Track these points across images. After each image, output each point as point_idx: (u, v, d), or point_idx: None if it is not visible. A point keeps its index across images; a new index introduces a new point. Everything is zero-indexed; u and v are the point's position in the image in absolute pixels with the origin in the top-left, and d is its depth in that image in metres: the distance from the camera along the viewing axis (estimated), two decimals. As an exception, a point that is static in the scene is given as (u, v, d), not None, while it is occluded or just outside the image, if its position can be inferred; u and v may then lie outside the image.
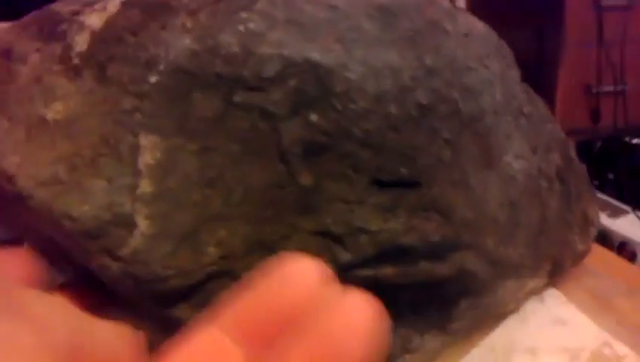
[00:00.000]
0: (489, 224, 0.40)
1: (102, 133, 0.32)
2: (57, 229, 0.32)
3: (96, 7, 0.36)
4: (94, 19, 0.36)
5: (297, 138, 0.34)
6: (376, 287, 0.21)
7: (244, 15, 0.34)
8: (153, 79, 0.34)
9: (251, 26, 0.34)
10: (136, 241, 0.32)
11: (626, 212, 1.11)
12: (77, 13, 0.36)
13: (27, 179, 0.32)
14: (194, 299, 0.34)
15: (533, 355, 0.43)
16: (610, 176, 1.20)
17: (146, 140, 0.33)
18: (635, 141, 1.18)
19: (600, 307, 0.47)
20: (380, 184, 0.35)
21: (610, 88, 1.25)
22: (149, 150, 0.33)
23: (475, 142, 0.39)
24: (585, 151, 1.33)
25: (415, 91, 0.36)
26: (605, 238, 1.08)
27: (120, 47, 0.34)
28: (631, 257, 1.04)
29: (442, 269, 0.38)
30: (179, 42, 0.34)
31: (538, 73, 1.28)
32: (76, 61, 0.34)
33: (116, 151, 0.32)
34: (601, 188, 1.19)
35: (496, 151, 0.40)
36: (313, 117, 0.34)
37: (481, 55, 0.41)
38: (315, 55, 0.34)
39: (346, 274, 0.35)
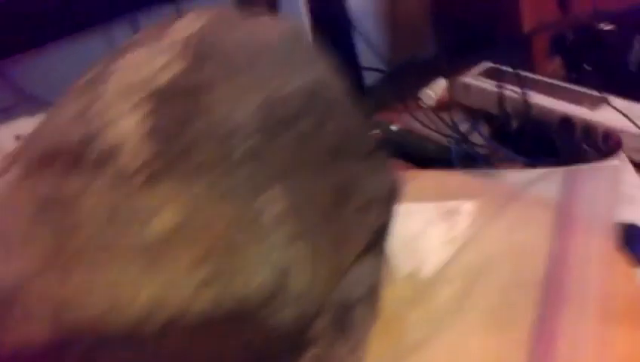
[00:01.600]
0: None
1: (225, 214, 0.33)
2: None
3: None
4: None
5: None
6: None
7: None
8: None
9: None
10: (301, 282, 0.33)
11: (605, 99, 1.11)
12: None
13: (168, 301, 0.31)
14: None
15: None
16: (587, 67, 1.20)
17: (270, 194, 0.32)
18: (606, 28, 1.17)
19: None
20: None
21: (576, -25, 1.23)
22: (274, 203, 0.35)
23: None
24: (559, 44, 1.32)
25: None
26: (589, 132, 1.09)
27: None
28: (617, 145, 1.05)
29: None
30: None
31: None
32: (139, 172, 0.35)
33: (243, 222, 0.33)
34: (579, 81, 1.19)
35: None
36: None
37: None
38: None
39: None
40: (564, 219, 0.53)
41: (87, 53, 1.20)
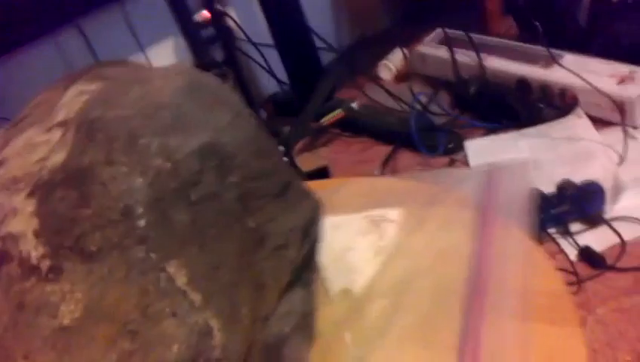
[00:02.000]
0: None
1: (131, 293, 0.33)
2: None
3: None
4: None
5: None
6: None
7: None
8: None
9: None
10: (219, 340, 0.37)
11: (559, 56, 1.12)
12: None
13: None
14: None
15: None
16: (538, 25, 1.20)
17: (171, 268, 0.37)
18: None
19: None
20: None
21: None
22: (179, 273, 0.37)
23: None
24: (510, 4, 1.32)
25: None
26: (545, 91, 1.10)
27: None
28: (573, 102, 1.06)
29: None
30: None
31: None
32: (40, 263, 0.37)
33: (155, 294, 0.34)
34: (531, 39, 1.20)
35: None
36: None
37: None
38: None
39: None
40: (484, 219, 0.54)
41: (37, 65, 1.18)
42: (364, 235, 0.54)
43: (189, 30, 1.28)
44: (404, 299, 0.50)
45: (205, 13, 1.34)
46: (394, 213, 0.56)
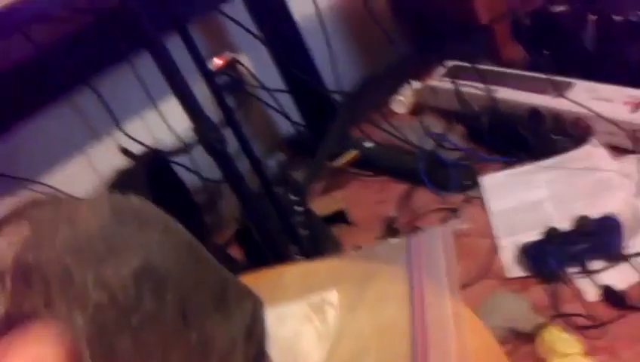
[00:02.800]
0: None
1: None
2: None
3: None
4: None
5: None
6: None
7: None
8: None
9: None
10: None
11: (569, 85, 1.12)
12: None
13: None
14: None
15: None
16: (546, 51, 1.21)
17: None
18: (559, 9, 1.18)
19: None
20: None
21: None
22: None
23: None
24: (517, 31, 1.32)
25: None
26: (558, 121, 1.10)
27: None
28: (587, 131, 1.06)
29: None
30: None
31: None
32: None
33: None
34: (541, 66, 1.20)
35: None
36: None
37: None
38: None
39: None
40: (415, 289, 0.58)
41: (54, 126, 1.23)
42: (308, 322, 0.57)
43: (209, 77, 1.31)
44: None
45: (218, 61, 1.38)
46: (333, 296, 0.59)
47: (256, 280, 0.59)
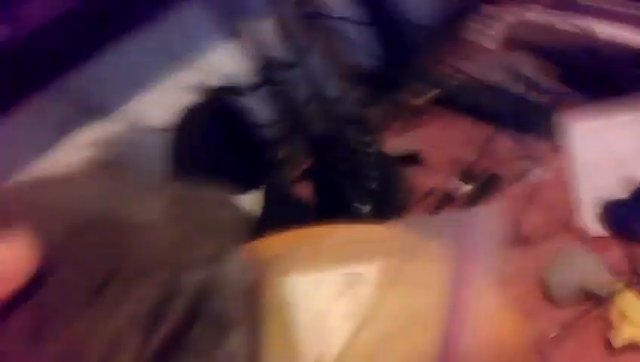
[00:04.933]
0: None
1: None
2: None
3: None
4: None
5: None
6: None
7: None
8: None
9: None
10: None
11: None
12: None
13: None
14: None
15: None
16: None
17: None
18: None
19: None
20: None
21: None
22: None
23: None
24: None
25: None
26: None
27: None
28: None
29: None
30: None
31: None
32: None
33: None
34: None
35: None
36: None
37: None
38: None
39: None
40: (455, 275, 0.55)
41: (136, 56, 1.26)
42: (339, 297, 0.56)
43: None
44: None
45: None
46: (370, 272, 0.57)
47: (297, 239, 0.59)
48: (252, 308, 0.52)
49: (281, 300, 0.55)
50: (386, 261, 0.57)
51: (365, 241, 0.63)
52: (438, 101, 1.27)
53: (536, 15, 1.26)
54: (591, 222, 0.90)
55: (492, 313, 0.54)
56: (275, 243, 0.64)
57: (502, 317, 0.55)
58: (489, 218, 0.65)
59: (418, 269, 0.58)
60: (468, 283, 0.55)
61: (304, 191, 1.12)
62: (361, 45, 1.37)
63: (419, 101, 1.26)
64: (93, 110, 1.22)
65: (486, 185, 1.07)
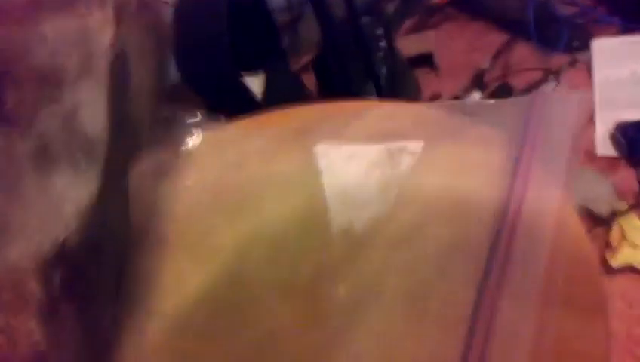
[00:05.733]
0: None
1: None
2: None
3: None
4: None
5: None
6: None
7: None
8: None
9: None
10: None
11: None
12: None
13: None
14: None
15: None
16: None
17: None
18: None
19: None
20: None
21: None
22: None
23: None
24: None
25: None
26: None
27: None
28: None
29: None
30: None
31: None
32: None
33: None
34: None
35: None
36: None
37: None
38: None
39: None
40: (517, 163, 0.46)
41: None
42: (378, 168, 0.48)
43: None
44: (406, 256, 0.45)
45: None
46: (415, 147, 0.50)
47: (333, 111, 0.53)
48: None
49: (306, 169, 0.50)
50: (433, 140, 0.50)
51: (407, 119, 0.55)
52: (454, 2, 1.22)
53: None
54: (602, 142, 0.89)
55: (553, 205, 0.48)
56: (301, 114, 0.57)
57: (562, 225, 0.49)
58: (565, 105, 0.55)
59: (470, 149, 0.50)
60: (530, 176, 0.48)
61: (308, 82, 1.09)
62: None
63: (435, -1, 1.20)
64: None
65: (496, 94, 1.04)
